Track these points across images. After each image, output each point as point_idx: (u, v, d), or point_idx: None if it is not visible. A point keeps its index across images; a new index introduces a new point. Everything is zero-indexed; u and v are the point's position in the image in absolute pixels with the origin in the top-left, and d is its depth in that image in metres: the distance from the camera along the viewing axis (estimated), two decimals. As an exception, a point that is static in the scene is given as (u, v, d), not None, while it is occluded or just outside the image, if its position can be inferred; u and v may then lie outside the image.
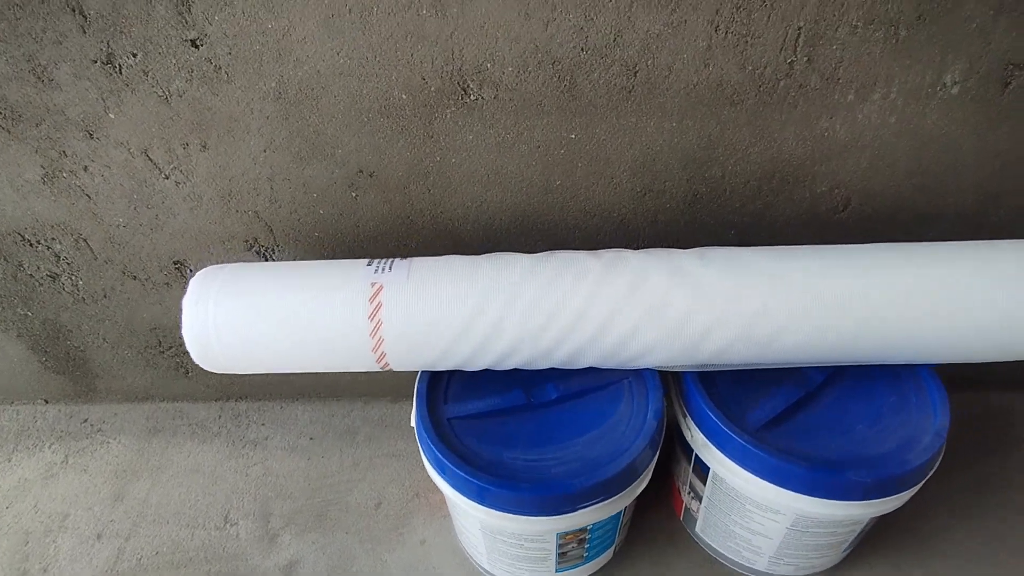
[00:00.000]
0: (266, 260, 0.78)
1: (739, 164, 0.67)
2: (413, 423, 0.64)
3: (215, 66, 0.60)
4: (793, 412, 0.62)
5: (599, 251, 0.62)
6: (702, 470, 0.66)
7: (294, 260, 0.77)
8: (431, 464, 0.61)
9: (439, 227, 0.73)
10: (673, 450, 0.75)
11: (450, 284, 0.58)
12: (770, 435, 0.60)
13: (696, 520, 0.73)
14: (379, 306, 0.58)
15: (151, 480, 0.85)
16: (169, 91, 0.62)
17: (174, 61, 0.60)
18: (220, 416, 0.94)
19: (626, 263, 0.59)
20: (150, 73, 0.61)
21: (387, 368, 0.62)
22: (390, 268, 0.60)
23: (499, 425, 0.62)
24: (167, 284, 0.79)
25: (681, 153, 0.67)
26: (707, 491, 0.67)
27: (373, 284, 0.58)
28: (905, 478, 0.57)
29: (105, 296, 0.81)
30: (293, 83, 0.61)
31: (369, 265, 0.60)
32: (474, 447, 0.60)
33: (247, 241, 0.75)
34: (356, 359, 0.61)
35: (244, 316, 0.59)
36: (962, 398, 0.70)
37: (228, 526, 0.80)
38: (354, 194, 0.70)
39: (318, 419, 0.93)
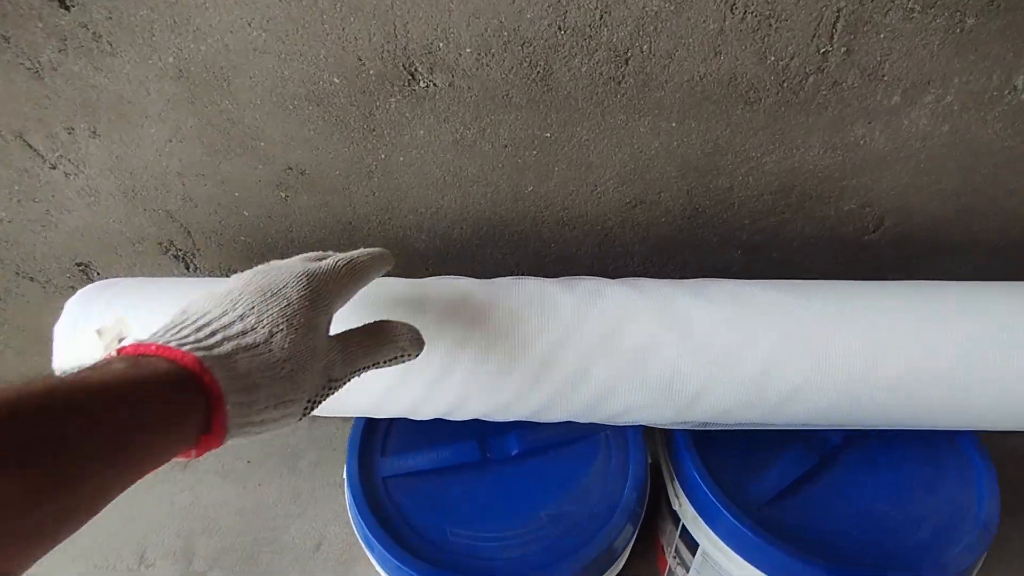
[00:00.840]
0: (186, 266, 0.66)
1: (751, 175, 0.55)
2: (344, 475, 0.53)
3: (93, 33, 0.47)
4: (803, 483, 0.51)
5: (573, 280, 0.50)
6: (690, 542, 0.56)
7: (219, 265, 0.65)
8: (359, 536, 0.51)
9: (388, 236, 0.61)
10: (657, 503, 0.64)
11: (388, 316, 0.46)
12: (775, 514, 0.49)
13: (680, 587, 0.63)
14: None
15: (62, 507, 0.75)
16: (39, 63, 0.49)
17: (40, 25, 0.47)
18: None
19: (605, 299, 0.47)
20: (12, 39, 0.48)
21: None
22: None
23: (445, 487, 0.52)
24: (71, 287, 0.67)
25: (681, 159, 0.54)
26: (696, 566, 0.57)
27: None
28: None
29: (0, 299, 0.69)
30: (196, 60, 0.48)
31: None
32: (412, 517, 0.50)
33: (161, 244, 0.63)
34: None
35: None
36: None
37: (143, 568, 0.70)
38: (283, 194, 0.58)
39: (258, 439, 0.82)
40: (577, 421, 0.50)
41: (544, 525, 0.49)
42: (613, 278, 0.66)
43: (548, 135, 0.53)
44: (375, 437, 0.54)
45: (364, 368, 0.35)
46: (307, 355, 0.30)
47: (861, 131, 0.52)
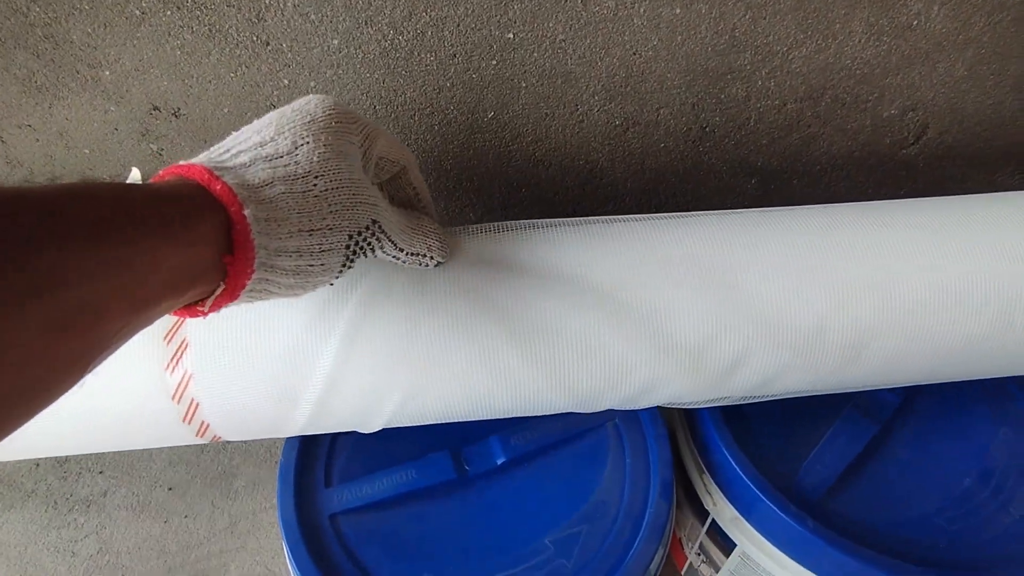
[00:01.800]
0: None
1: (773, 78, 0.43)
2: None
3: None
4: (865, 460, 0.41)
5: (567, 220, 0.37)
6: (724, 543, 0.45)
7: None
8: (304, 599, 0.38)
9: (307, 194, 0.47)
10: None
11: (300, 303, 0.32)
12: (837, 506, 0.39)
13: (706, 588, 0.53)
14: (182, 348, 0.32)
15: (-72, 575, 0.59)
16: None
17: None
18: (38, 465, 0.67)
19: (610, 239, 0.34)
20: None
21: (219, 441, 0.37)
22: None
23: (415, 520, 0.39)
24: None
25: (686, 61, 0.41)
26: (730, 567, 0.47)
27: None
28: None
29: None
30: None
31: None
32: (374, 565, 0.37)
33: None
34: (163, 434, 0.35)
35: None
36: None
37: (40, 642, 0.55)
38: (154, 147, 0.42)
39: (180, 459, 0.67)
40: (578, 412, 0.38)
41: (551, 556, 0.37)
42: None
43: (511, 36, 0.39)
44: (314, 461, 0.41)
45: (396, 248, 0.29)
46: (341, 176, 0.26)
47: (917, 7, 0.40)
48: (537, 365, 0.33)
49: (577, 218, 0.37)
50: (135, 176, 0.36)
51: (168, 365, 0.32)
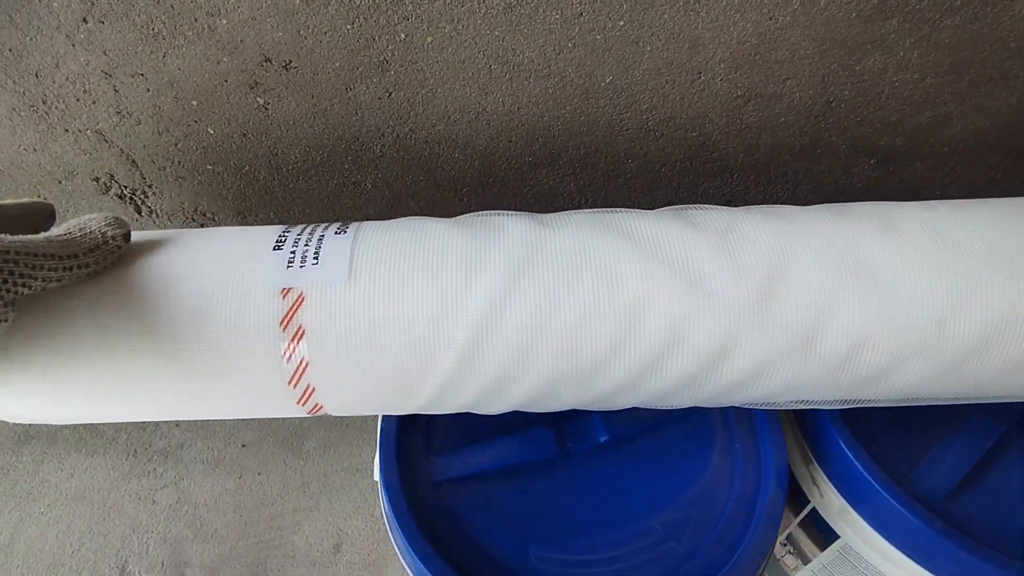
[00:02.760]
0: (137, 209, 0.49)
1: (919, 48, 0.40)
2: (376, 476, 0.40)
3: None
4: (988, 462, 0.39)
5: (682, 211, 0.35)
6: (823, 535, 0.44)
7: (182, 206, 0.49)
8: (408, 568, 0.37)
9: (407, 155, 0.45)
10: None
11: (426, 285, 0.31)
12: (959, 507, 0.37)
13: (789, 579, 0.52)
14: (299, 334, 0.31)
15: (18, 515, 0.61)
16: None
17: None
18: (117, 414, 0.68)
19: (747, 242, 0.32)
20: None
21: (320, 412, 0.37)
22: (316, 256, 0.31)
23: (517, 494, 0.38)
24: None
25: (825, 29, 0.38)
26: (823, 559, 0.45)
27: (285, 292, 0.31)
28: None
29: None
30: None
31: (278, 249, 0.32)
32: (480, 538, 0.36)
33: (99, 180, 0.47)
34: (273, 407, 0.35)
35: (46, 376, 0.31)
36: None
37: (125, 586, 0.57)
38: (260, 100, 0.41)
39: (252, 418, 0.68)
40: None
41: (661, 538, 0.36)
42: (702, 202, 0.51)
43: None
44: (414, 428, 0.40)
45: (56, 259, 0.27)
46: None
47: (1095, -29, 0.36)
48: (657, 375, 0.31)
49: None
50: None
51: (286, 354, 0.31)
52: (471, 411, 0.34)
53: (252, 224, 0.51)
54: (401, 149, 0.45)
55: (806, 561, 0.48)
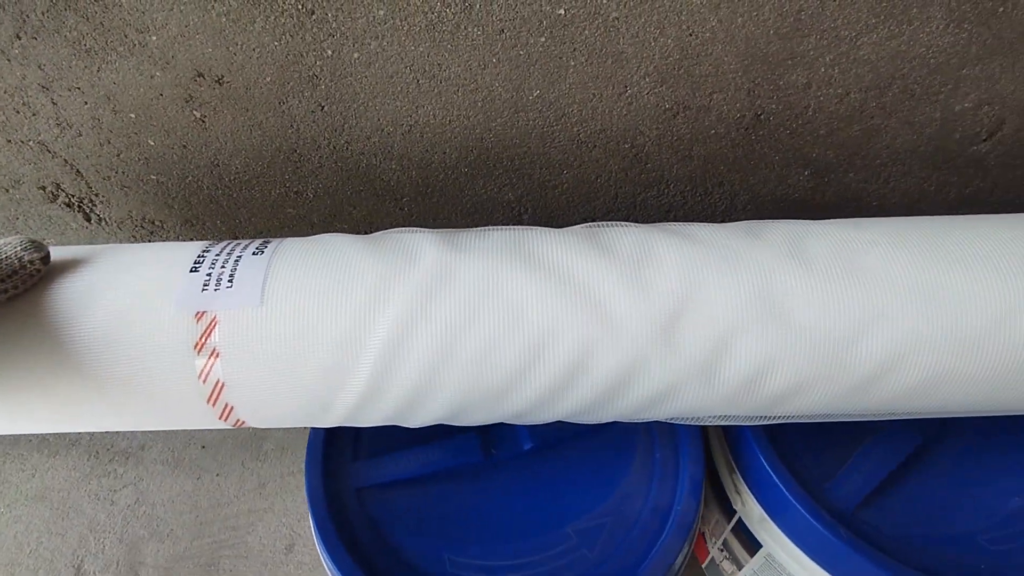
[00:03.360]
0: (86, 217, 0.50)
1: (838, 65, 0.40)
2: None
3: None
4: (903, 474, 0.40)
5: (600, 230, 0.36)
6: (750, 542, 0.44)
7: (130, 214, 0.50)
8: (327, 569, 0.38)
9: (346, 167, 0.46)
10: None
11: (338, 309, 0.31)
12: (871, 517, 0.38)
13: (727, 584, 0.53)
14: (212, 356, 0.31)
15: (-22, 513, 0.62)
16: None
17: None
18: (81, 415, 0.69)
19: (658, 270, 0.33)
20: None
21: (243, 426, 0.37)
22: (231, 279, 0.32)
23: (439, 500, 0.39)
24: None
25: (745, 44, 0.39)
26: (753, 566, 0.46)
27: (199, 316, 0.31)
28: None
29: None
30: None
31: (195, 271, 0.32)
32: (397, 543, 0.37)
33: (44, 189, 0.48)
34: (197, 421, 0.36)
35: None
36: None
37: (80, 584, 0.58)
38: (197, 113, 0.42)
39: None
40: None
41: (574, 546, 0.37)
42: (641, 212, 0.52)
43: (562, 12, 0.37)
44: (342, 434, 0.41)
45: None
46: None
47: (1007, -10, 0.36)
48: (568, 395, 0.32)
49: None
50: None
51: (202, 375, 0.32)
52: (392, 424, 0.35)
53: (199, 231, 0.52)
54: (339, 160, 0.46)
55: (740, 567, 0.49)
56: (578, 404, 0.32)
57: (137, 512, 0.63)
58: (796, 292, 0.31)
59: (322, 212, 0.50)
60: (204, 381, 0.32)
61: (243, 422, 0.35)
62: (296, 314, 0.31)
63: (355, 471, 0.40)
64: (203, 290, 0.31)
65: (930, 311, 0.31)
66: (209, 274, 0.32)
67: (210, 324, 0.31)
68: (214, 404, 0.32)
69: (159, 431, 0.68)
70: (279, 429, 0.68)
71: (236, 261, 0.32)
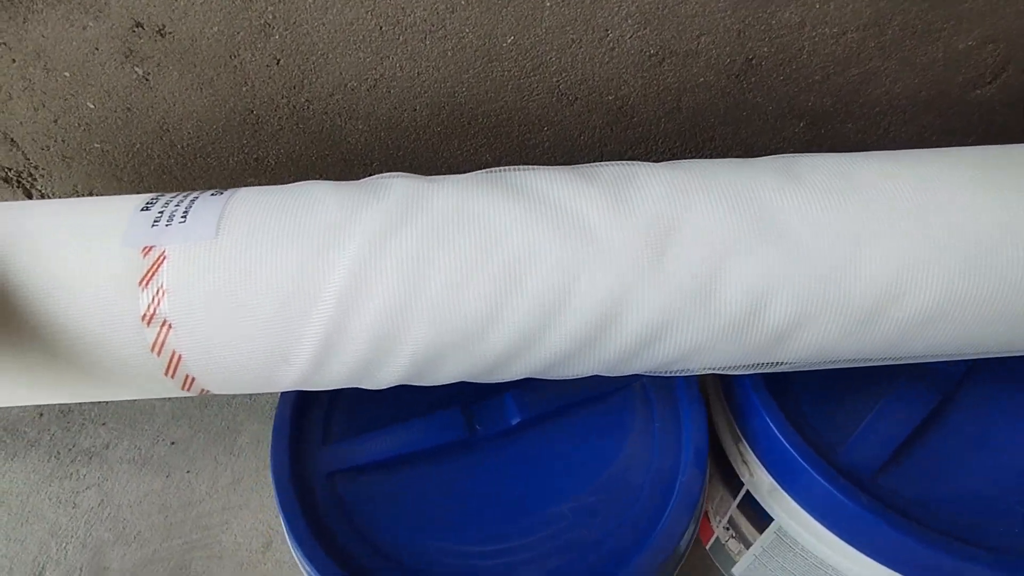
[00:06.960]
0: (27, 194, 0.46)
1: (833, 1, 0.37)
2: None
3: None
4: (921, 434, 0.37)
5: (583, 166, 0.33)
6: (758, 516, 0.42)
7: (75, 188, 0.46)
8: (298, 563, 0.35)
9: (308, 128, 0.43)
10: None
11: (297, 240, 0.28)
12: (890, 482, 0.35)
13: (735, 562, 0.50)
14: (159, 295, 0.28)
15: (-70, 522, 0.58)
16: None
17: None
18: (41, 415, 0.65)
19: (642, 192, 0.30)
20: None
21: (205, 393, 0.34)
22: (184, 214, 0.29)
23: (417, 483, 0.36)
24: None
25: (735, -23, 0.36)
26: (762, 543, 0.43)
27: (146, 251, 0.28)
28: None
29: None
30: None
31: (146, 209, 0.30)
32: (374, 531, 0.34)
33: (-21, 162, 0.44)
34: (139, 384, 0.32)
35: None
36: None
37: (40, 593, 0.54)
38: (139, 70, 0.39)
39: (183, 413, 0.65)
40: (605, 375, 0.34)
41: (570, 525, 0.34)
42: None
43: (535, -58, 0.34)
44: (311, 415, 0.38)
45: None
46: None
47: (1012, -91, 0.34)
48: (552, 334, 0.29)
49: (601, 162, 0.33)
50: None
51: (146, 316, 0.29)
52: (357, 385, 0.32)
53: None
54: (300, 122, 0.42)
55: (747, 545, 0.46)
56: (563, 344, 0.29)
57: (101, 515, 0.59)
58: (790, 209, 0.29)
59: (286, 180, 0.46)
60: (149, 323, 0.28)
61: (193, 379, 0.31)
62: (252, 245, 0.28)
63: (325, 455, 0.36)
64: (153, 225, 0.28)
65: (933, 225, 0.29)
66: (161, 212, 0.29)
67: (158, 259, 0.28)
68: (159, 353, 0.29)
69: (125, 427, 0.64)
70: (254, 421, 0.64)
71: (192, 200, 0.30)
